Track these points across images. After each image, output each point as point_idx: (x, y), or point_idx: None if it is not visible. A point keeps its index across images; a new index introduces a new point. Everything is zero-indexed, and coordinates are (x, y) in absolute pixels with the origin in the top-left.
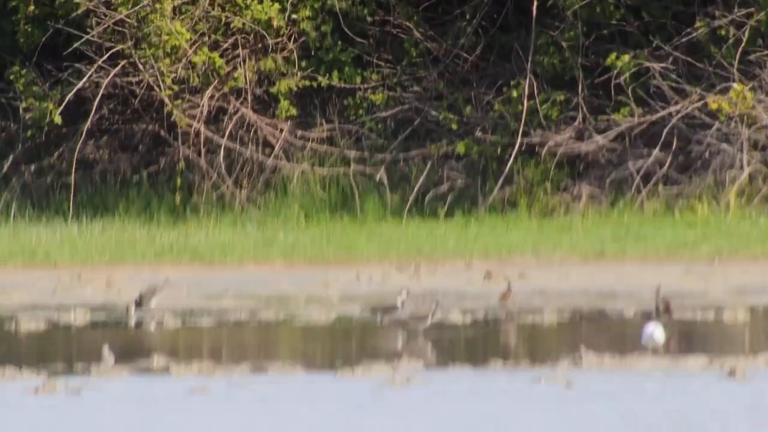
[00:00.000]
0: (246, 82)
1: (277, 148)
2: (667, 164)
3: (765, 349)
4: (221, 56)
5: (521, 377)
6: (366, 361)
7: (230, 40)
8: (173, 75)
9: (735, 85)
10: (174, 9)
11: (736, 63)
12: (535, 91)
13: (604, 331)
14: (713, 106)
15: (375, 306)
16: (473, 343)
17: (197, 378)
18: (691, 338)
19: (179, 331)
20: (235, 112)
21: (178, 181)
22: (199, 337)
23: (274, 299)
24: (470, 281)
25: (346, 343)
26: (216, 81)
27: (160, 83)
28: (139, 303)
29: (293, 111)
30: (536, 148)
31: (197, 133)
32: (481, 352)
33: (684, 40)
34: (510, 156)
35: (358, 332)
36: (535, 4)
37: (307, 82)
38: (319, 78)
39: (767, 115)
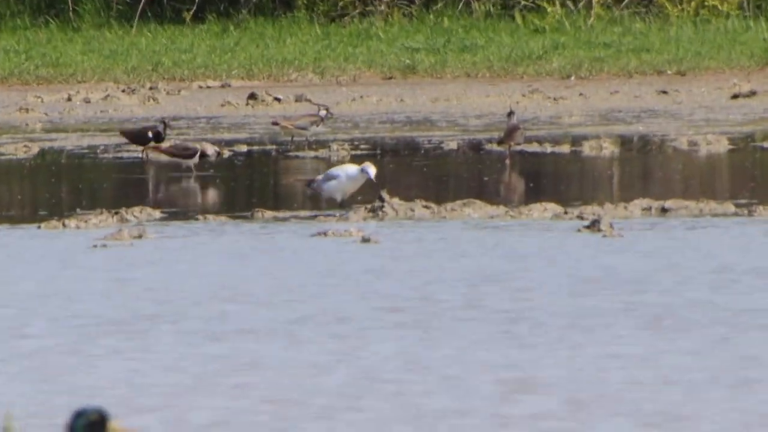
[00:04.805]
0: None
1: None
2: None
3: (638, 194)
4: None
5: (302, 232)
6: (83, 212)
7: None
8: None
9: None
10: None
11: None
12: None
13: (415, 170)
14: None
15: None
16: (232, 185)
17: None
18: (538, 179)
19: None
20: None
21: None
22: None
23: None
24: (229, 105)
25: (58, 187)
26: None
27: None
28: None
29: None
30: None
31: None
32: (242, 199)
33: None
34: None
35: (74, 173)
36: None
37: None
38: None
39: None
